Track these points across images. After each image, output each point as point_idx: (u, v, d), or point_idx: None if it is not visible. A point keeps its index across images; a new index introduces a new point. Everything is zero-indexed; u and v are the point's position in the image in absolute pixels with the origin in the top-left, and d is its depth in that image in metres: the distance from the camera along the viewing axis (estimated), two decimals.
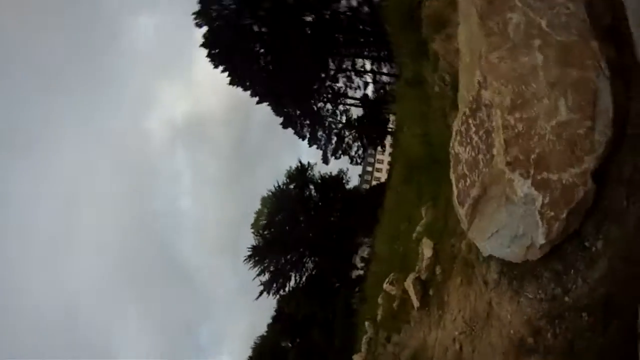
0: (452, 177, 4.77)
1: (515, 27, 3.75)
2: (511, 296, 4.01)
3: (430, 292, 6.91)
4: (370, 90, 31.18)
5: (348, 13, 28.53)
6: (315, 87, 29.87)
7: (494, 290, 4.38)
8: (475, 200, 4.26)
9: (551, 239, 3.35)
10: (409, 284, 7.49)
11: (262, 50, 28.11)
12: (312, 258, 30.93)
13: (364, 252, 29.64)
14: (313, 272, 31.00)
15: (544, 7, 3.68)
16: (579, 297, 3.22)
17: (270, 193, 31.18)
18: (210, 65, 28.21)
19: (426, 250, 7.35)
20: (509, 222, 3.78)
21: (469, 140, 4.40)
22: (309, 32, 27.98)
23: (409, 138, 13.37)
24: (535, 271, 3.71)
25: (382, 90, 30.42)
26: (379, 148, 37.21)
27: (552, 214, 3.31)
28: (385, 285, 9.36)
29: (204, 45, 27.61)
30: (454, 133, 4.74)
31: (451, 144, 4.78)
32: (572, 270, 3.34)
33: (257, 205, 31.70)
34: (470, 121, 4.34)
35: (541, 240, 3.38)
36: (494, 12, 3.83)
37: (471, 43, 4.30)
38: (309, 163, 32.22)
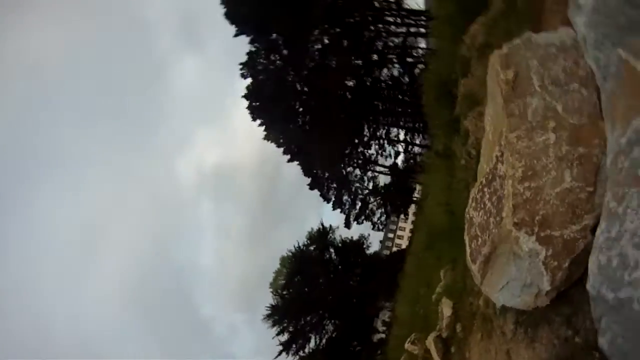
0: (466, 238, 5.15)
1: (534, 110, 4.08)
2: (527, 344, 4.25)
3: (452, 350, 7.06)
4: (400, 160, 31.81)
5: (389, 82, 29.68)
6: (347, 151, 30.55)
7: (512, 340, 4.63)
8: (486, 257, 4.64)
9: (556, 286, 3.65)
10: (430, 342, 7.65)
11: (301, 109, 29.02)
12: (333, 320, 30.55)
13: (385, 315, 29.27)
14: (333, 335, 30.52)
15: (560, 92, 4.03)
16: (587, 337, 3.43)
17: (290, 253, 31.24)
18: (249, 117, 29.21)
19: (446, 309, 7.56)
20: (517, 274, 4.11)
21: (482, 206, 4.81)
22: (349, 96, 29.03)
23: (433, 207, 13.85)
24: (547, 317, 3.99)
25: (412, 161, 30.98)
26: (402, 216, 37.29)
27: (555, 263, 3.61)
28: (407, 345, 9.51)
29: (245, 96, 28.64)
30: (470, 199, 5.16)
31: (467, 209, 5.16)
32: (580, 313, 3.59)
33: (277, 264, 31.69)
34: (485, 189, 4.75)
35: (547, 287, 3.67)
36: (516, 96, 4.16)
37: (495, 122, 4.67)
38: (330, 226, 32.43)
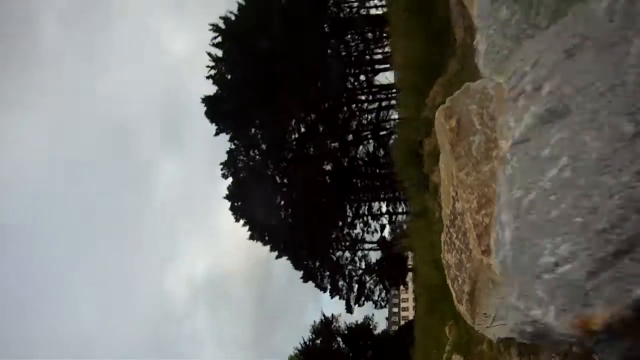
0: (448, 282, 5.22)
1: (477, 146, 4.23)
2: None
3: None
4: (387, 232, 31.90)
5: (365, 159, 30.40)
6: (333, 236, 30.53)
7: None
8: (470, 295, 4.62)
9: None
10: None
11: (282, 203, 29.20)
12: None
13: None
14: None
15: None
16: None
17: (297, 351, 30.59)
18: (232, 219, 29.20)
19: None
20: (500, 302, 4.18)
21: (452, 246, 4.90)
22: (328, 180, 29.56)
23: (423, 267, 13.95)
24: None
25: (398, 230, 31.19)
26: (402, 287, 36.71)
27: None
28: None
29: (227, 197, 28.90)
30: (442, 245, 5.31)
31: (442, 255, 5.32)
32: None
33: None
34: (451, 230, 4.86)
35: None
36: (460, 139, 4.36)
37: (447, 168, 4.85)
38: (332, 315, 31.98)
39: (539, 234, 2.34)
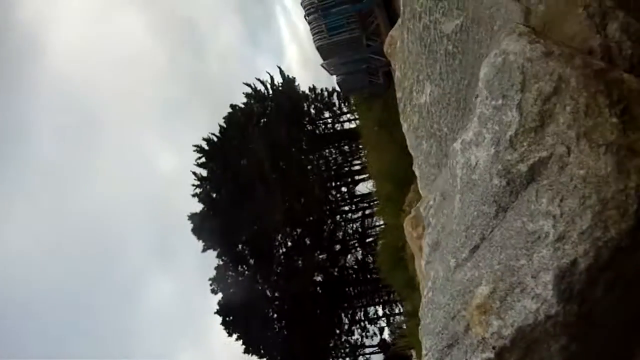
0: None
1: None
2: None
3: None
4: (386, 334, 31.19)
5: (355, 266, 30.49)
6: (331, 344, 29.81)
7: None
8: None
9: None
10: None
11: (275, 316, 28.90)
12: None
13: None
14: None
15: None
16: None
17: None
18: (225, 334, 28.55)
19: None
20: None
21: None
22: (320, 291, 29.39)
23: None
24: None
25: (396, 330, 30.52)
26: None
27: None
28: None
29: (218, 312, 28.43)
30: None
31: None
32: None
33: None
34: None
35: None
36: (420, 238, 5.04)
37: (421, 270, 5.46)
38: None
39: (426, 333, 3.18)
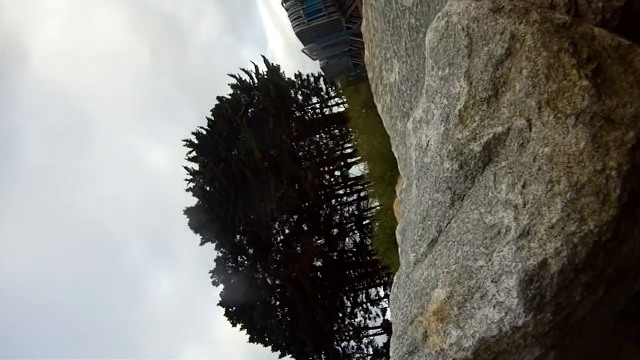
0: None
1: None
2: None
3: None
4: (389, 315, 31.41)
5: (353, 249, 30.56)
6: (335, 328, 29.99)
7: None
8: None
9: None
10: None
11: (277, 303, 29.00)
12: None
13: None
14: None
15: None
16: None
17: None
18: (229, 324, 28.78)
19: None
20: None
21: None
22: (320, 276, 29.57)
23: None
24: None
25: None
26: None
27: None
28: None
29: (221, 303, 28.60)
30: None
31: None
32: None
33: None
34: None
35: None
36: None
37: None
38: None
39: (392, 334, 2.87)
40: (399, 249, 3.54)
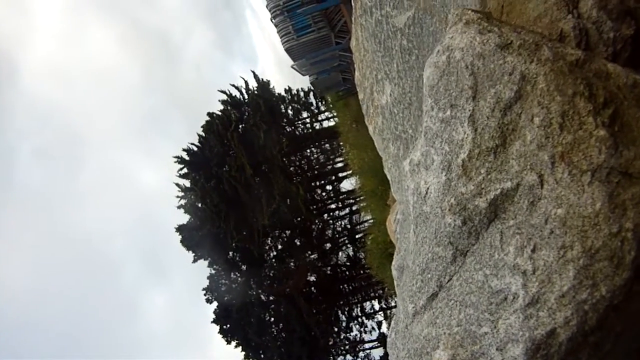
0: None
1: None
2: None
3: None
4: (385, 328, 31.25)
5: (347, 263, 30.41)
6: (330, 343, 29.75)
7: None
8: None
9: None
10: None
11: (272, 320, 28.72)
12: None
13: None
14: None
15: None
16: None
17: None
18: (224, 341, 28.36)
19: None
20: None
21: None
22: (315, 291, 29.37)
23: None
24: None
25: None
26: None
27: None
28: None
29: (215, 321, 28.27)
30: None
31: None
32: None
33: None
34: None
35: None
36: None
37: None
38: None
39: None
40: (395, 283, 3.45)
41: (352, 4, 4.51)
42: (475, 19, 2.05)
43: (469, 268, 2.03)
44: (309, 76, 22.08)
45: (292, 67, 20.01)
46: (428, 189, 2.27)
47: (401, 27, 3.64)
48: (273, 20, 18.14)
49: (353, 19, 4.64)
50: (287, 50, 18.39)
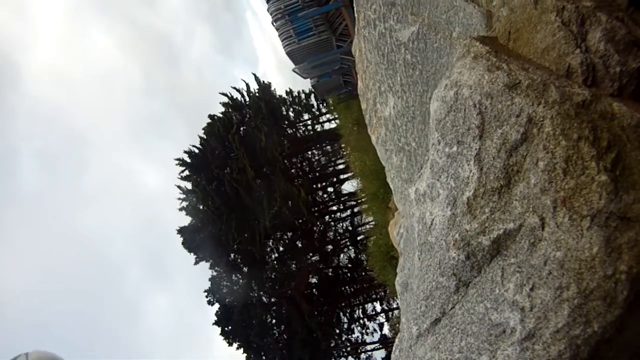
0: None
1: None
2: None
3: None
4: (387, 329, 31.28)
5: (348, 265, 30.50)
6: (332, 345, 29.82)
7: None
8: None
9: None
10: None
11: (273, 321, 28.84)
12: None
13: None
14: None
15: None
16: None
17: None
18: (225, 343, 28.43)
19: None
20: None
21: None
22: (316, 293, 29.43)
23: None
24: None
25: (397, 325, 30.57)
26: None
27: None
28: None
29: (216, 323, 28.37)
30: None
31: None
32: None
33: None
34: None
35: None
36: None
37: None
38: None
39: None
40: (399, 299, 3.47)
41: (355, 15, 4.50)
42: (483, 52, 2.07)
43: (471, 299, 2.14)
44: (310, 79, 22.08)
45: (293, 70, 19.99)
46: (433, 220, 2.34)
47: (405, 42, 3.61)
48: (274, 24, 18.13)
49: (356, 29, 4.63)
50: (288, 53, 18.37)
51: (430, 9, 3.11)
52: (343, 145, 27.21)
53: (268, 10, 18.16)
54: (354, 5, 4.45)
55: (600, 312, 1.72)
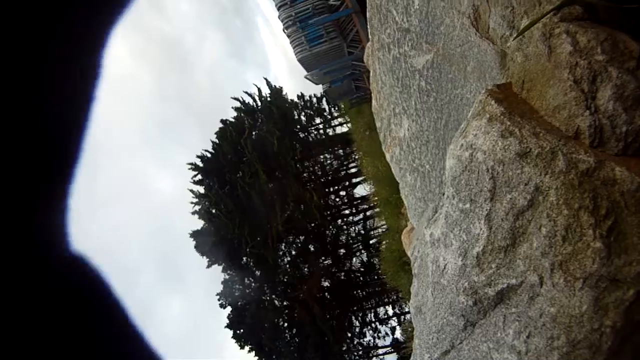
0: None
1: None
2: None
3: None
4: (399, 333, 31.21)
5: (361, 269, 30.50)
6: (344, 348, 29.85)
7: None
8: None
9: None
10: None
11: (285, 325, 28.94)
12: None
13: None
14: None
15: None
16: None
17: None
18: (237, 346, 28.54)
19: None
20: None
21: None
22: (328, 296, 29.44)
23: None
24: None
25: (409, 329, 30.42)
26: None
27: None
28: None
29: (229, 326, 28.57)
30: None
31: None
32: None
33: None
34: None
35: None
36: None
37: None
38: None
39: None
40: (412, 319, 3.57)
41: (370, 36, 4.52)
42: (498, 114, 2.20)
43: (476, 338, 2.42)
44: (322, 85, 22.16)
45: (305, 77, 20.09)
46: (446, 265, 2.59)
47: (419, 69, 3.67)
48: (285, 31, 18.22)
49: (370, 51, 4.65)
50: (300, 60, 18.45)
51: (445, 41, 3.16)
52: (355, 149, 27.24)
53: (279, 18, 18.26)
54: (368, 27, 4.47)
55: (585, 358, 1.96)
